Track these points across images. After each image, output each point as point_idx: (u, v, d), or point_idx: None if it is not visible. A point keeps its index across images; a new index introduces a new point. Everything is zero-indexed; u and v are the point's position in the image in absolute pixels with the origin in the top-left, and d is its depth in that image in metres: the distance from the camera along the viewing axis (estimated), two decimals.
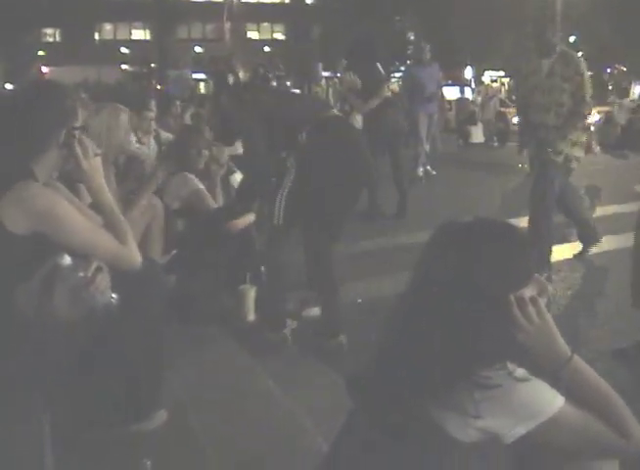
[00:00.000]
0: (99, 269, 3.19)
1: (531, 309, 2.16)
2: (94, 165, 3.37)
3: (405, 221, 10.06)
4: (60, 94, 3.38)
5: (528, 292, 2.17)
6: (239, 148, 12.21)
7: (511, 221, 2.37)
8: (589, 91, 7.37)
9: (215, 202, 6.10)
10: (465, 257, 2.13)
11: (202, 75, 42.06)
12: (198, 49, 58.40)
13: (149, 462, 3.39)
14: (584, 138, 7.73)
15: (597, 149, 18.60)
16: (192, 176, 5.91)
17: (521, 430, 2.07)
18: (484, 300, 2.11)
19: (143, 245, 4.21)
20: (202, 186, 5.92)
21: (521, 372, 2.10)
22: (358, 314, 6.01)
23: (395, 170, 10.86)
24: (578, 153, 7.54)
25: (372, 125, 10.27)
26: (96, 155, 3.42)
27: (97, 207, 3.47)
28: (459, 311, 2.09)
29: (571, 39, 50.78)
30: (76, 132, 3.32)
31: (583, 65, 7.33)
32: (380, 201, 10.45)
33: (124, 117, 5.44)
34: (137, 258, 3.40)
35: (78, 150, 3.29)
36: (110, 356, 3.36)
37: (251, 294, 5.59)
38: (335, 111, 5.82)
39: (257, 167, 5.49)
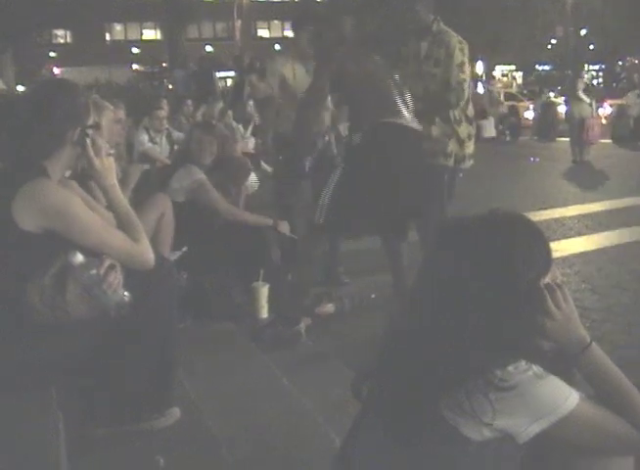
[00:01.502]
0: (111, 267, 3.20)
1: (559, 294, 2.15)
2: (107, 165, 3.37)
3: None
4: (73, 93, 3.39)
5: (549, 278, 2.16)
6: (249, 144, 12.28)
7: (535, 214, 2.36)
8: (456, 76, 6.30)
9: (237, 205, 6.16)
10: (491, 248, 2.11)
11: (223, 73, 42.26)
12: (208, 48, 58.48)
13: (162, 459, 3.38)
14: (471, 131, 6.61)
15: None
16: (195, 167, 5.91)
17: (535, 428, 2.04)
18: (514, 289, 2.08)
19: (153, 241, 4.20)
20: (203, 176, 5.90)
21: (536, 370, 2.07)
22: (372, 310, 5.99)
23: None
24: (469, 149, 6.56)
25: None
26: (108, 154, 3.42)
27: (110, 205, 3.47)
28: (482, 303, 2.06)
29: (583, 32, 50.73)
30: (89, 131, 3.32)
31: (455, 45, 6.33)
32: None
33: (108, 115, 5.41)
34: (150, 256, 3.40)
35: (91, 149, 3.30)
36: (122, 354, 3.36)
37: (264, 291, 5.58)
38: (403, 116, 5.55)
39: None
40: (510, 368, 2.05)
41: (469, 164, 6.57)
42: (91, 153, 3.30)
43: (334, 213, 5.45)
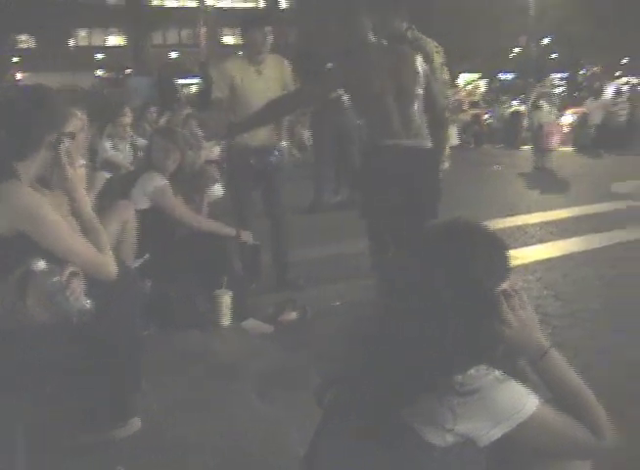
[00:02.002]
0: (74, 274, 3.18)
1: (516, 301, 2.17)
2: (78, 175, 3.36)
3: None
4: (52, 99, 3.38)
5: (506, 286, 2.17)
6: (214, 151, 12.28)
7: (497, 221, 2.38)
8: (441, 79, 6.64)
9: (200, 213, 6.12)
10: (449, 256, 2.13)
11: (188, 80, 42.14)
12: (174, 54, 58.35)
13: (122, 469, 3.36)
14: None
15: None
16: (157, 174, 5.86)
17: (497, 432, 2.06)
18: (471, 297, 2.10)
19: (116, 249, 4.18)
20: (166, 182, 5.85)
21: (496, 374, 2.09)
22: (335, 317, 5.99)
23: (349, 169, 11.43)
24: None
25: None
26: (81, 165, 3.42)
27: (77, 215, 3.44)
28: (442, 311, 2.08)
29: (545, 41, 51.17)
30: (65, 139, 3.31)
31: (432, 49, 6.64)
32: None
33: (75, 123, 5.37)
34: (113, 268, 3.40)
35: (64, 157, 3.28)
36: (84, 362, 3.33)
37: (227, 299, 5.57)
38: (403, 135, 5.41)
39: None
40: (470, 372, 2.07)
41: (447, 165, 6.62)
42: (64, 160, 3.29)
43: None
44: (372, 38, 5.59)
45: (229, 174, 7.20)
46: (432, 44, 6.65)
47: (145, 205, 5.73)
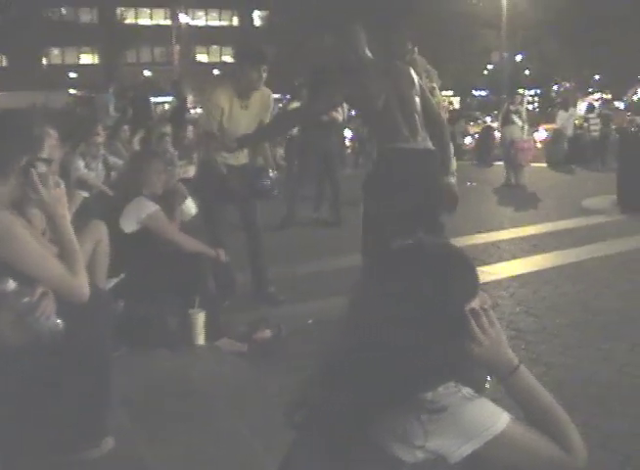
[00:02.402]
0: (44, 295, 3.17)
1: (485, 320, 2.17)
2: (56, 196, 3.33)
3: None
4: (24, 123, 3.37)
5: (475, 304, 2.18)
6: (189, 171, 12.30)
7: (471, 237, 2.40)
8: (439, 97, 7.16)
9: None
10: (415, 277, 2.13)
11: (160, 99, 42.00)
12: (147, 73, 58.32)
13: None
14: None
15: None
16: (148, 200, 5.83)
17: (467, 449, 2.06)
18: (438, 316, 2.10)
19: (88, 269, 4.16)
20: (157, 207, 5.84)
21: (467, 391, 2.09)
22: (309, 335, 6.00)
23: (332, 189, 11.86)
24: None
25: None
26: (57, 185, 3.38)
27: (56, 236, 3.42)
28: (410, 332, 2.08)
29: (518, 58, 51.59)
30: (38, 163, 3.29)
31: (421, 73, 7.02)
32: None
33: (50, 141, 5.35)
34: (86, 290, 3.37)
35: (36, 179, 3.26)
36: (55, 383, 3.32)
37: (201, 318, 5.56)
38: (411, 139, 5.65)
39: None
40: (440, 389, 2.07)
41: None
42: (38, 184, 3.27)
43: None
44: (368, 54, 5.82)
45: (203, 192, 7.26)
46: (429, 66, 6.91)
47: (133, 229, 5.71)
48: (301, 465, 2.27)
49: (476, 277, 2.22)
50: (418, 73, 6.74)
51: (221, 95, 6.89)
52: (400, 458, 2.07)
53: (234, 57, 7.14)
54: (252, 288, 7.23)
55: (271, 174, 7.17)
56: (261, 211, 7.35)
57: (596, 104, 27.25)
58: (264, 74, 6.86)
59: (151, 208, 5.76)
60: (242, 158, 7.11)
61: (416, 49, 7.04)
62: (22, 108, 4.27)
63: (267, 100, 7.12)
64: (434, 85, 6.93)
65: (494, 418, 2.08)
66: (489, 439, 2.05)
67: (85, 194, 6.72)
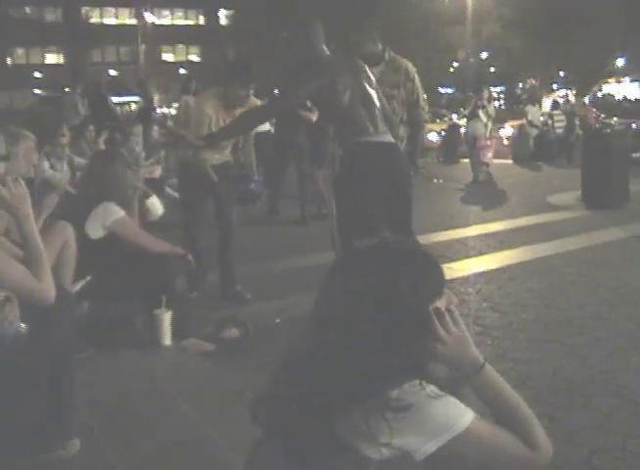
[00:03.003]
0: (7, 299, 3.15)
1: (448, 319, 2.20)
2: (18, 193, 3.30)
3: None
4: None
5: (441, 303, 2.20)
6: (155, 171, 12.28)
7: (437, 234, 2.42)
8: (422, 95, 7.26)
9: None
10: (379, 276, 2.14)
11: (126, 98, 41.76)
12: (112, 72, 58.02)
13: None
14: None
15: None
16: (114, 205, 5.77)
17: (432, 446, 2.08)
18: (402, 315, 2.11)
19: (54, 271, 4.13)
20: (124, 213, 5.79)
21: (431, 389, 2.11)
22: (276, 334, 6.01)
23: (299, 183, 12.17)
24: None
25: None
26: (16, 182, 3.34)
27: (21, 236, 3.39)
28: (373, 330, 2.09)
29: (484, 56, 51.82)
30: None
31: (413, 70, 7.16)
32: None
33: (26, 144, 5.32)
34: (51, 294, 3.33)
35: None
36: (19, 385, 3.30)
37: (167, 318, 5.54)
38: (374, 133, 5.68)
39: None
40: (405, 387, 2.09)
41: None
42: None
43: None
44: (326, 50, 5.86)
45: (181, 190, 7.36)
46: (410, 64, 7.19)
47: (99, 235, 5.66)
48: (267, 463, 2.28)
49: (441, 276, 2.24)
50: (408, 71, 7.10)
51: (209, 107, 7.01)
52: (367, 455, 2.09)
53: (223, 74, 7.18)
54: (220, 286, 7.28)
55: (256, 178, 7.29)
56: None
57: (561, 100, 27.45)
58: (251, 91, 7.09)
59: (117, 213, 5.70)
60: (223, 156, 7.27)
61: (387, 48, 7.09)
62: None
63: None
64: (416, 84, 7.06)
65: (458, 416, 2.10)
66: (454, 436, 2.07)
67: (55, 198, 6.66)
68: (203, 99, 7.38)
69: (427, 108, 7.51)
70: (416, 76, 7.19)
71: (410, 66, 7.18)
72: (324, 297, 2.25)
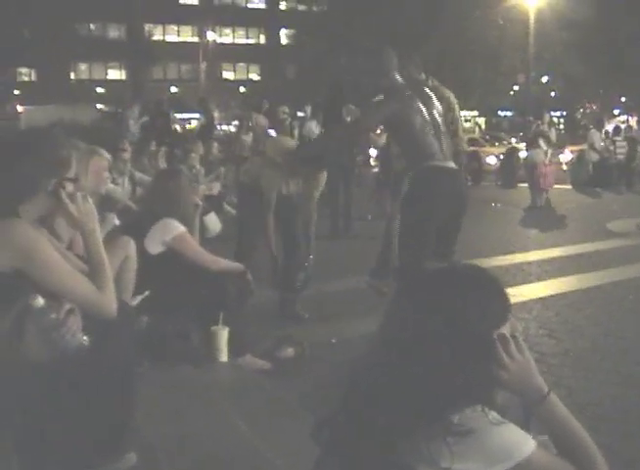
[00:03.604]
0: (71, 311, 3.19)
1: (513, 346, 2.18)
2: (86, 210, 3.35)
3: None
4: (55, 144, 3.39)
5: (506, 330, 2.19)
6: (214, 188, 12.41)
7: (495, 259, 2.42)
8: (462, 126, 7.50)
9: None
10: (447, 299, 2.14)
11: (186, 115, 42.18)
12: (174, 89, 58.64)
13: None
14: None
15: None
16: (174, 221, 5.82)
17: None
18: (467, 340, 2.11)
19: (115, 284, 4.19)
20: (184, 229, 5.83)
21: (494, 415, 2.09)
22: (332, 355, 6.01)
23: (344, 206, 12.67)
24: None
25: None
26: (85, 200, 3.39)
27: (86, 250, 3.44)
28: (438, 353, 2.09)
29: (544, 79, 51.48)
30: (66, 183, 3.31)
31: (454, 100, 7.32)
32: None
33: (98, 161, 5.41)
34: (113, 307, 3.37)
35: (66, 199, 3.28)
36: (80, 398, 3.34)
37: (224, 335, 5.56)
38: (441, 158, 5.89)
39: None
40: (467, 412, 2.08)
41: None
42: (67, 202, 3.29)
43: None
44: (398, 78, 6.08)
45: (239, 207, 7.49)
46: (451, 94, 7.38)
47: (158, 250, 5.71)
48: None
49: (507, 303, 2.23)
50: (450, 101, 7.31)
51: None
52: None
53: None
54: (279, 304, 7.33)
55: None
56: None
57: (622, 126, 27.15)
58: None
59: (177, 229, 5.74)
60: (292, 186, 7.33)
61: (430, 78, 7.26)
62: (48, 126, 4.21)
63: None
64: (456, 114, 7.22)
65: (520, 444, 2.08)
66: (515, 463, 2.05)
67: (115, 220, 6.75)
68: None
69: (465, 138, 7.64)
70: (456, 107, 7.37)
71: (452, 96, 7.38)
72: (391, 317, 2.25)
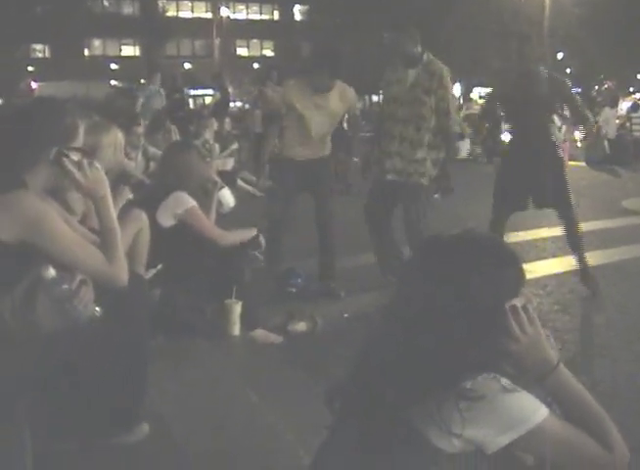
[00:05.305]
0: (83, 282, 3.18)
1: (524, 318, 2.17)
2: (95, 177, 3.32)
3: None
4: (60, 113, 3.36)
5: (518, 302, 2.18)
6: (228, 163, 12.36)
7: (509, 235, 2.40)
8: (453, 106, 7.44)
9: (209, 218, 6.06)
10: (459, 268, 2.14)
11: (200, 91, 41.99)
12: (187, 65, 58.55)
13: None
14: (442, 155, 7.37)
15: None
16: (185, 194, 5.81)
17: (504, 440, 2.05)
18: (478, 310, 2.10)
19: (128, 257, 4.18)
20: (194, 203, 5.82)
21: (505, 382, 2.08)
22: (344, 329, 6.01)
23: None
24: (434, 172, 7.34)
25: None
26: (92, 166, 3.36)
27: (98, 218, 3.41)
28: (450, 322, 2.09)
29: (559, 56, 51.15)
30: (69, 151, 3.28)
31: (447, 76, 7.11)
32: None
33: (112, 135, 5.40)
34: (124, 277, 3.34)
35: (70, 166, 3.26)
36: (92, 369, 3.34)
37: (237, 308, 5.57)
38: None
39: None
40: (479, 379, 2.07)
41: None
42: (71, 170, 3.26)
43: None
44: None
45: (276, 183, 7.52)
46: (445, 69, 7.14)
47: (170, 223, 5.71)
48: (340, 449, 2.27)
49: (521, 275, 2.23)
50: (442, 75, 7.12)
51: (293, 94, 7.19)
52: (438, 447, 2.08)
53: (313, 61, 7.32)
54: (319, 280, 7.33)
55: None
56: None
57: None
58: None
59: (188, 203, 5.74)
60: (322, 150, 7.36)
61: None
62: (60, 100, 4.16)
63: (345, 94, 7.29)
64: (448, 91, 7.16)
65: (533, 410, 2.07)
66: (527, 430, 2.05)
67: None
68: (287, 87, 7.48)
69: (457, 118, 7.69)
70: (449, 84, 7.20)
71: (445, 71, 7.13)
72: (402, 288, 2.24)
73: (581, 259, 7.35)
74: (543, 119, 7.26)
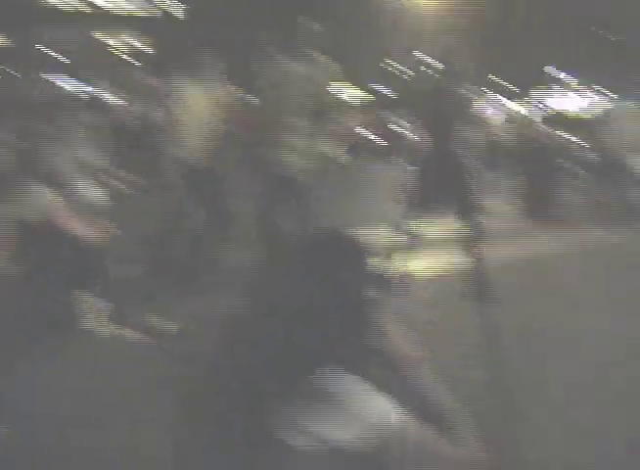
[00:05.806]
0: None
1: (387, 311, 2.20)
2: None
3: None
4: None
5: (379, 294, 2.19)
6: None
7: None
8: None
9: None
10: (318, 263, 2.15)
11: None
12: None
13: None
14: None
15: None
16: (42, 187, 5.71)
17: (350, 437, 2.04)
18: (339, 305, 2.10)
19: None
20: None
21: (356, 380, 2.08)
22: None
23: None
24: None
25: None
26: None
27: None
28: (306, 317, 2.08)
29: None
30: None
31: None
32: None
33: None
34: None
35: None
36: None
37: (97, 302, 5.51)
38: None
39: None
40: (329, 376, 2.06)
41: None
42: None
43: None
44: None
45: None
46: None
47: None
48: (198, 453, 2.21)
49: (380, 269, 2.24)
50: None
51: None
52: (289, 444, 2.05)
53: None
54: None
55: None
56: None
57: None
58: None
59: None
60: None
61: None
62: None
63: None
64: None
65: (383, 410, 2.07)
66: (374, 427, 2.04)
67: None
68: None
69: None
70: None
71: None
72: (264, 288, 2.26)
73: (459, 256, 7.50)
74: None
